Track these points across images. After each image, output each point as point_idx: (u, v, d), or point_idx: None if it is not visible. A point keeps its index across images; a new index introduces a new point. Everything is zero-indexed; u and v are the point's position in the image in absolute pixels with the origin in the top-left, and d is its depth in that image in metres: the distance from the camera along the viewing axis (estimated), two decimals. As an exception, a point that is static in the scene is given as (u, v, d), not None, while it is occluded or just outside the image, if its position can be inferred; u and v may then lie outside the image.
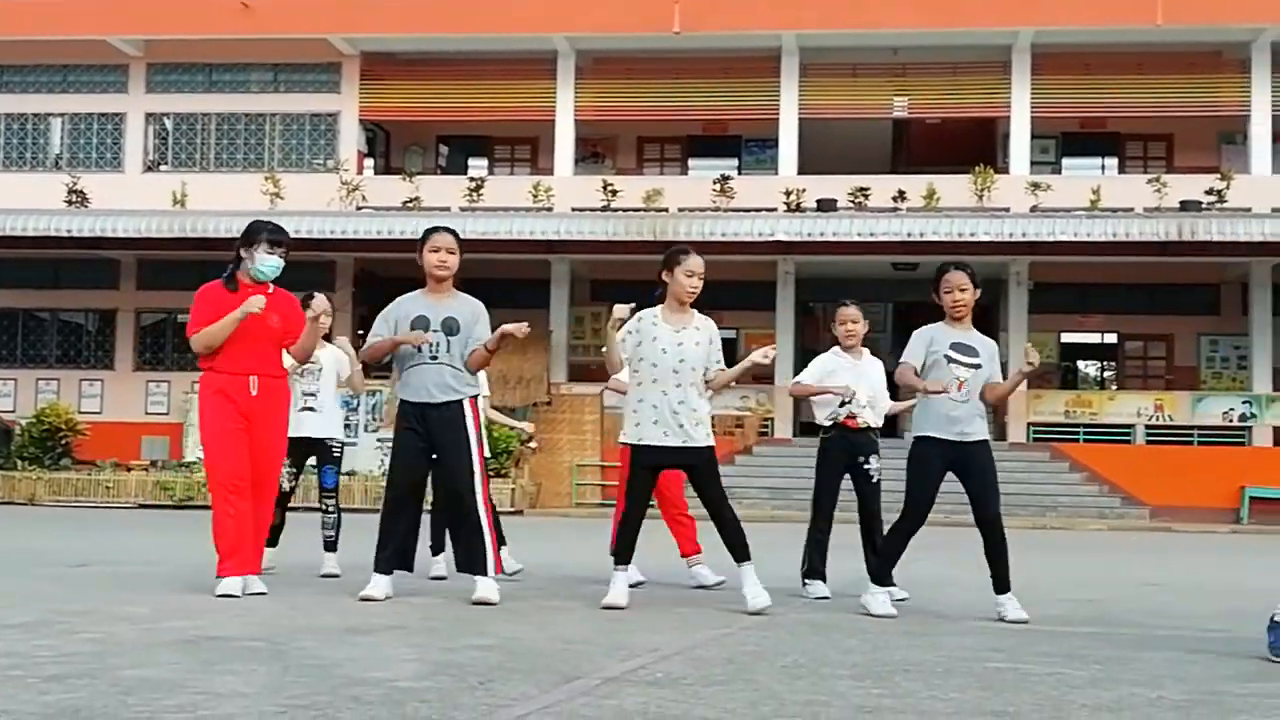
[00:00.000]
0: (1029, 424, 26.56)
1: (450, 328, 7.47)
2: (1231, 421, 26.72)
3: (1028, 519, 21.51)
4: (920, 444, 7.25)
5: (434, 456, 7.45)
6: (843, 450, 8.44)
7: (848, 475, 8.51)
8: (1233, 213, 26.42)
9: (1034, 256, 26.85)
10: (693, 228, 25.89)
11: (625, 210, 27.64)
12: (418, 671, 4.77)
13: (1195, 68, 29.07)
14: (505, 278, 26.86)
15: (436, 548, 9.18)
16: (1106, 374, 31.13)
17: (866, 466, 8.42)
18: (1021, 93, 29.25)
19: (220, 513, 7.39)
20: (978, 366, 7.22)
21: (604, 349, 7.40)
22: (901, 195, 27.75)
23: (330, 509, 9.42)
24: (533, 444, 25.45)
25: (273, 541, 8.93)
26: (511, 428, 12.89)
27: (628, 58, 30.32)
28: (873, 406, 8.46)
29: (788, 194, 27.75)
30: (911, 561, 10.60)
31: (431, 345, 7.43)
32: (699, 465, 7.29)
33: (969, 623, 6.97)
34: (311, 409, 9.26)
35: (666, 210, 27.73)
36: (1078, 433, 26.35)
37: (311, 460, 9.61)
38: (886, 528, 7.72)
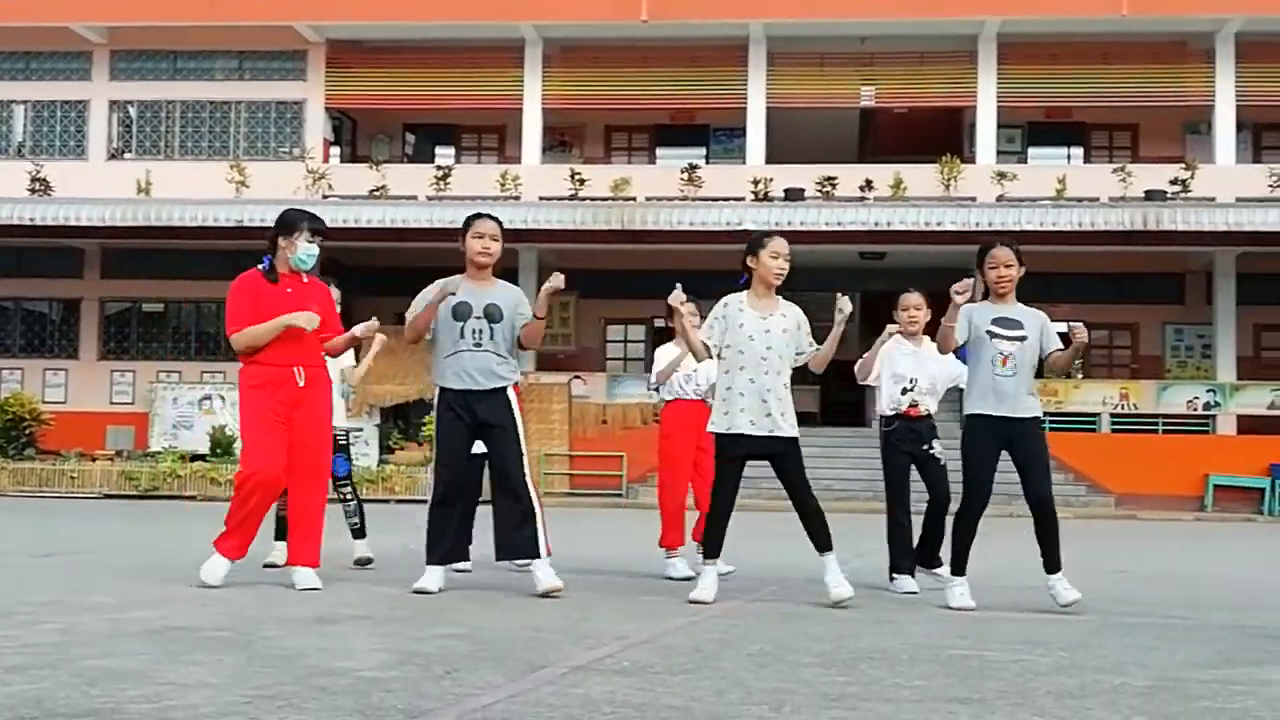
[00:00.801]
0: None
1: (493, 314, 7.45)
2: (1196, 410, 26.90)
3: (995, 506, 21.52)
4: (971, 422, 7.23)
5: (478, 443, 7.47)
6: (906, 439, 8.39)
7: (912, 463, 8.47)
8: (1197, 202, 26.60)
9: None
10: (660, 217, 25.89)
11: (593, 199, 27.60)
12: (384, 661, 4.76)
13: (1160, 58, 29.22)
14: (473, 267, 26.77)
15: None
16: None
17: (931, 450, 8.37)
18: (988, 82, 29.35)
19: (238, 501, 7.36)
20: (1022, 339, 7.16)
21: (673, 341, 7.26)
22: (869, 185, 27.82)
23: (348, 496, 9.29)
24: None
25: (282, 535, 8.81)
26: None
27: (596, 46, 30.28)
28: (933, 393, 8.47)
29: (755, 183, 27.79)
30: (873, 551, 10.66)
31: (475, 332, 7.40)
32: (786, 454, 7.17)
33: (934, 610, 7.00)
34: None
35: (634, 199, 27.70)
36: (1043, 421, 26.47)
37: None
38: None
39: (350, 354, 9.26)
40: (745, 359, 7.13)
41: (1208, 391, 27.08)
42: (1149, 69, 29.03)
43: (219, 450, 25.64)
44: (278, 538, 8.70)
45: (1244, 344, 27.89)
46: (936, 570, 8.19)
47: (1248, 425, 26.61)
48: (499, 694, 4.15)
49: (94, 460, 25.41)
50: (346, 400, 9.41)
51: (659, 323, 28.75)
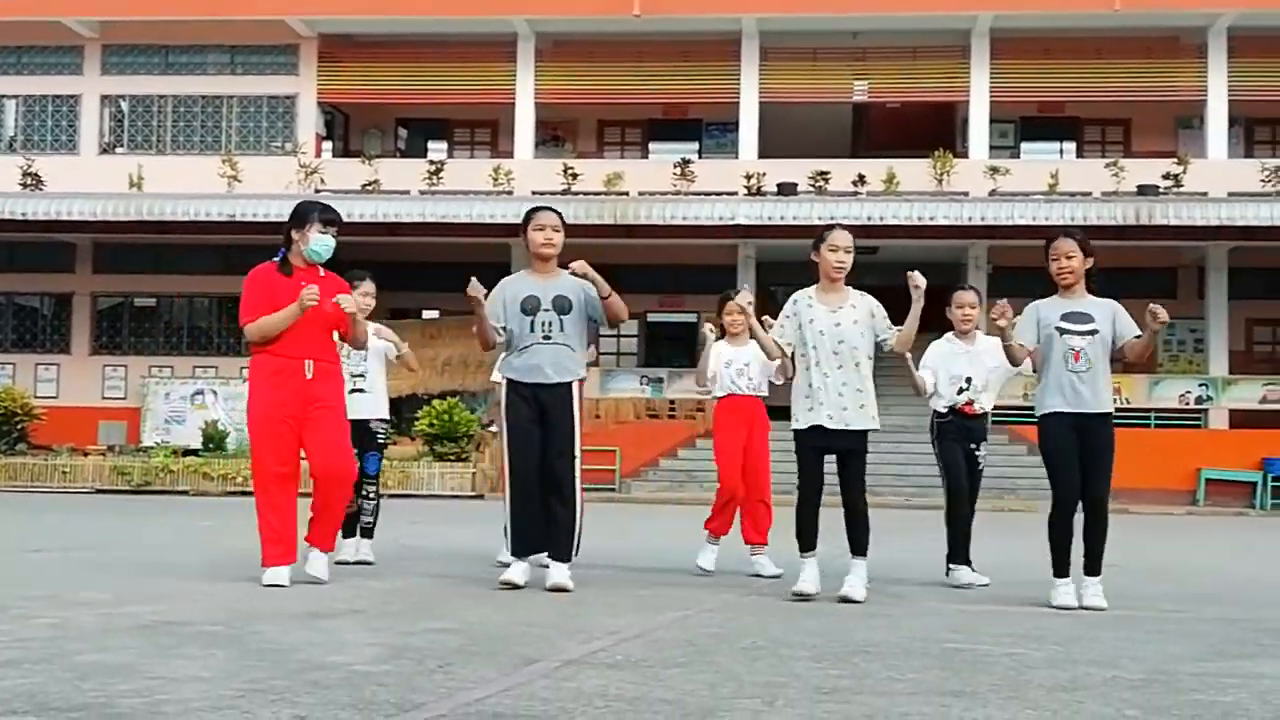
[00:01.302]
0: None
1: (562, 307, 7.37)
2: (1188, 404, 26.95)
3: (988, 501, 21.49)
4: (1045, 422, 7.11)
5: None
6: (959, 435, 8.30)
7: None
8: (1189, 197, 26.64)
9: (992, 240, 26.99)
10: (653, 211, 25.88)
11: (586, 194, 27.58)
12: (377, 655, 4.76)
13: (1153, 53, 29.26)
14: (465, 261, 26.67)
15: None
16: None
17: (978, 454, 8.32)
18: (980, 77, 29.37)
19: (260, 503, 7.29)
20: (1094, 333, 7.00)
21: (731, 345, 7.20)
22: (861, 179, 27.83)
23: (371, 495, 9.11)
24: (494, 428, 25.54)
25: (350, 531, 8.76)
26: None
27: (588, 40, 30.26)
28: (988, 390, 8.41)
29: (748, 178, 27.79)
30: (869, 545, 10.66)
31: (545, 325, 7.35)
32: (855, 449, 7.11)
33: (927, 604, 7.01)
34: (361, 390, 8.88)
35: (627, 194, 27.69)
36: (1034, 415, 26.48)
37: None
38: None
39: (393, 338, 9.14)
40: (819, 354, 7.08)
41: (1200, 386, 27.12)
42: (1141, 64, 29.06)
43: (211, 445, 25.62)
44: (344, 535, 8.55)
45: (1236, 338, 27.94)
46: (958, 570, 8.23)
47: (1239, 419, 26.67)
48: (492, 688, 4.14)
49: (86, 455, 25.38)
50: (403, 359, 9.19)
51: (652, 317, 28.77)
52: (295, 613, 6.02)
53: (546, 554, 7.36)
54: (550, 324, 7.35)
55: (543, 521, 7.36)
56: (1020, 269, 27.69)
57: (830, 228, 7.37)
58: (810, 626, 5.95)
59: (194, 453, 25.43)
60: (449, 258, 26.72)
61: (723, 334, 8.99)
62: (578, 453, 7.36)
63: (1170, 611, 6.97)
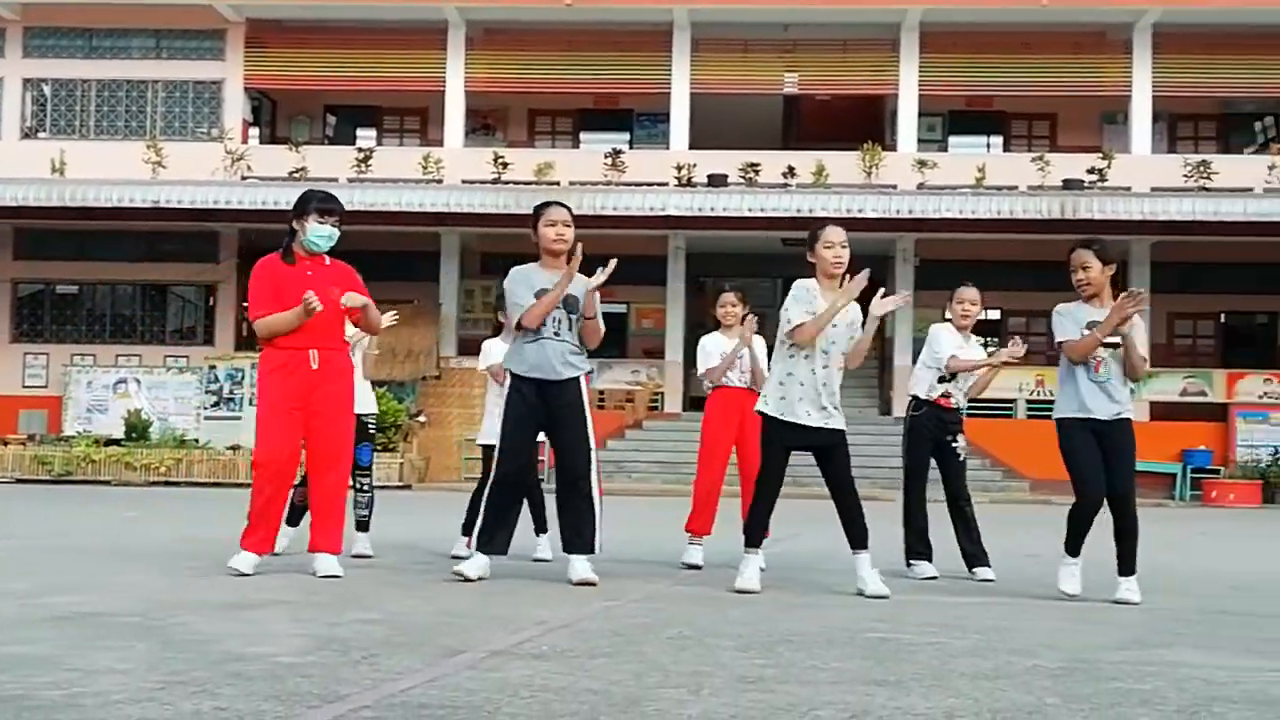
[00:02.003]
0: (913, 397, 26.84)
1: (571, 305, 7.30)
2: (1110, 396, 27.28)
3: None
4: (1063, 424, 7.16)
5: (542, 432, 7.41)
6: (932, 426, 8.41)
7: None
8: (1113, 191, 26.99)
9: (920, 233, 27.21)
10: (584, 201, 25.81)
11: (516, 183, 27.51)
12: (301, 646, 4.72)
13: (1079, 49, 29.58)
14: (394, 250, 26.60)
15: (540, 528, 8.91)
16: (990, 349, 31.56)
17: (954, 444, 8.41)
18: (909, 71, 29.55)
19: (255, 490, 7.29)
20: (1116, 346, 7.01)
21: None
22: (791, 171, 27.95)
23: (365, 487, 9.05)
24: (421, 418, 25.44)
25: (293, 521, 8.62)
26: None
27: (519, 29, 30.14)
28: (964, 390, 8.60)
29: (679, 169, 27.81)
30: (791, 537, 10.73)
31: (554, 320, 7.28)
32: (836, 446, 7.08)
33: (851, 594, 7.05)
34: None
35: (558, 184, 27.63)
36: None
37: None
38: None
39: (367, 339, 9.04)
40: (811, 348, 7.03)
41: (1122, 378, 27.46)
42: (1068, 59, 29.37)
43: (134, 434, 25.30)
44: (287, 523, 8.45)
45: (1157, 331, 28.30)
46: (977, 570, 8.30)
47: (1160, 411, 27.04)
48: (417, 679, 4.13)
49: (5, 444, 24.98)
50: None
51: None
52: (219, 603, 5.96)
53: (564, 549, 7.35)
54: (559, 321, 7.31)
55: (512, 526, 7.39)
56: (948, 261, 28.01)
57: (822, 224, 7.29)
58: (736, 616, 5.97)
59: (116, 442, 25.10)
60: (378, 246, 26.52)
61: (716, 326, 8.99)
62: (593, 445, 7.36)
63: (1090, 601, 7.06)
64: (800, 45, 30.08)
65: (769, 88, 30.27)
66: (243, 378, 25.65)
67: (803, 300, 7.04)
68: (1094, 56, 29.71)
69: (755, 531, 7.16)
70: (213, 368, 26.54)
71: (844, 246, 7.14)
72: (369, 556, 8.69)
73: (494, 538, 7.33)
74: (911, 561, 8.41)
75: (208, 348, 28.75)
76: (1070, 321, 7.16)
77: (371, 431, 9.18)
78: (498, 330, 9.09)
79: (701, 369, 8.99)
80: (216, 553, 8.56)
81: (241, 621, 5.40)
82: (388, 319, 8.67)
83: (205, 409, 26.23)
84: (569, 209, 7.62)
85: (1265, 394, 27.25)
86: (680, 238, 27.60)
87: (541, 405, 7.29)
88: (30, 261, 29.50)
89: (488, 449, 8.51)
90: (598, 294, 7.38)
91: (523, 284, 7.35)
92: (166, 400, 26.89)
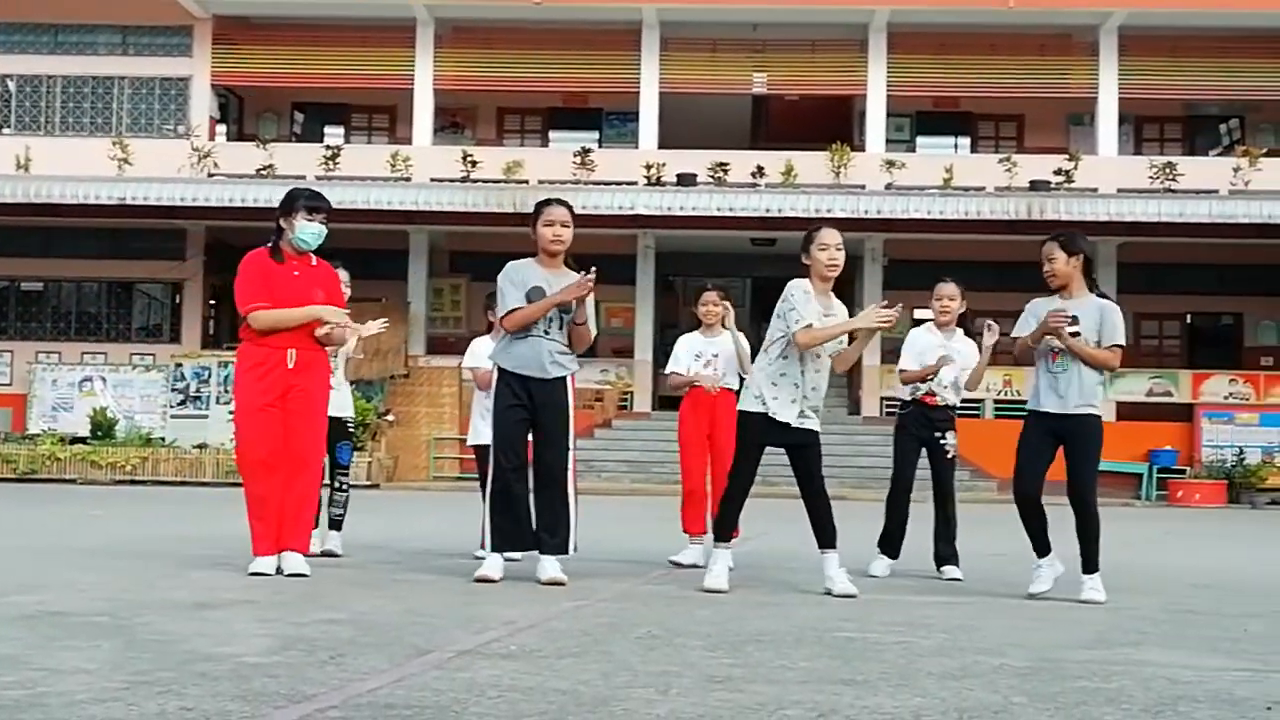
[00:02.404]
0: (882, 398, 26.96)
1: (564, 305, 7.30)
2: (1076, 396, 27.41)
3: (881, 492, 21.82)
4: (1026, 418, 7.29)
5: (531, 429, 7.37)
6: (919, 425, 8.38)
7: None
8: (1080, 192, 27.12)
9: (889, 234, 27.29)
10: (553, 200, 25.82)
11: (485, 181, 27.43)
12: (267, 646, 4.70)
13: (1046, 50, 29.71)
14: (362, 248, 26.47)
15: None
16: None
17: (943, 442, 8.37)
18: (877, 71, 29.62)
19: (247, 493, 7.33)
20: (1076, 335, 7.09)
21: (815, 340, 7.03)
22: (760, 171, 27.98)
23: (342, 486, 9.04)
24: (390, 417, 25.36)
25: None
26: None
27: (488, 27, 30.08)
28: (955, 388, 8.44)
29: (648, 168, 27.80)
30: (760, 535, 10.75)
31: (546, 319, 7.28)
32: (810, 445, 7.09)
33: (818, 594, 7.06)
34: (333, 388, 8.81)
35: (527, 182, 27.59)
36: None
37: None
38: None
39: (352, 343, 9.00)
40: (807, 350, 7.01)
41: (1088, 378, 27.60)
42: (1035, 61, 29.49)
43: (99, 433, 25.14)
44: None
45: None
46: (945, 569, 8.30)
47: (1127, 411, 27.19)
48: (384, 679, 4.11)
49: (-31, 443, 24.79)
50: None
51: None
52: (184, 603, 5.93)
53: (535, 550, 7.32)
54: (551, 319, 7.31)
55: (526, 519, 7.32)
56: (916, 261, 28.09)
57: (817, 227, 7.23)
58: (704, 615, 5.98)
59: (82, 440, 24.94)
60: (346, 244, 26.36)
61: (696, 324, 8.99)
62: (570, 445, 7.39)
63: (1057, 600, 7.10)
64: (769, 45, 30.11)
65: (738, 87, 30.30)
66: (209, 376, 25.52)
67: (804, 302, 6.98)
68: (1060, 58, 29.85)
69: (724, 528, 7.16)
70: (179, 366, 26.37)
71: (839, 249, 7.09)
72: (338, 555, 8.66)
73: (506, 535, 7.31)
74: (880, 554, 8.45)
75: (174, 345, 28.57)
76: (1031, 317, 7.25)
77: (351, 431, 9.22)
78: (489, 328, 9.04)
79: (670, 369, 9.02)
80: (183, 552, 8.54)
81: (207, 621, 5.37)
82: (376, 326, 8.70)
83: (171, 407, 26.07)
84: (569, 207, 7.58)
85: (1230, 394, 27.44)
86: (649, 237, 27.61)
87: (529, 401, 7.28)
88: (-6, 258, 29.27)
89: (481, 449, 8.53)
90: (591, 300, 7.38)
91: (516, 282, 7.31)
92: (132, 398, 26.72)
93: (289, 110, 32.39)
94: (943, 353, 8.42)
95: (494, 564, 7.26)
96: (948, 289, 8.60)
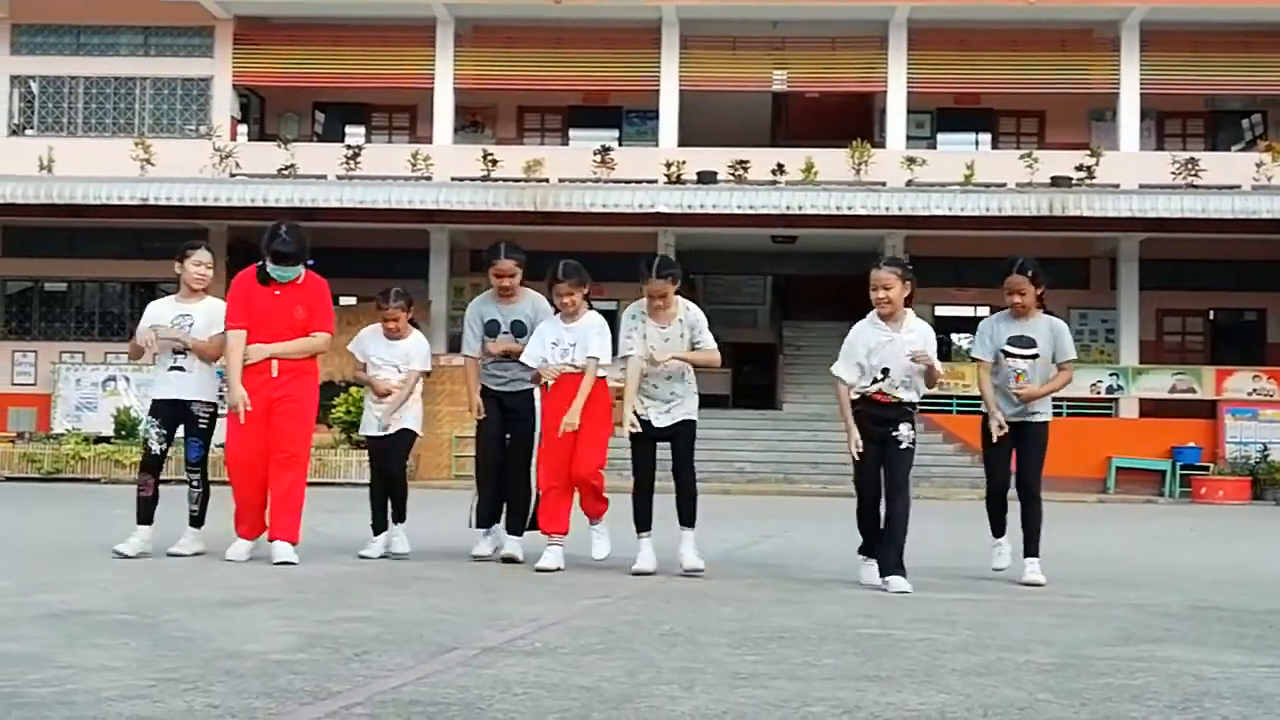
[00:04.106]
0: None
1: (519, 329, 8.42)
2: (1099, 393, 27.32)
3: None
4: (986, 424, 8.08)
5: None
6: (867, 421, 7.62)
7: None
8: (1101, 188, 26.99)
9: (909, 230, 27.19)
10: (573, 198, 25.83)
11: (505, 180, 27.44)
12: (292, 644, 4.72)
13: (1067, 46, 29.58)
14: (383, 247, 26.58)
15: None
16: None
17: (895, 433, 7.58)
18: (898, 68, 29.53)
19: (233, 490, 8.17)
20: (1035, 356, 7.94)
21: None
22: (780, 168, 27.91)
23: (195, 483, 8.63)
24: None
25: (146, 518, 8.27)
26: None
27: (508, 26, 30.10)
28: (910, 388, 7.66)
29: (668, 166, 27.78)
30: (784, 531, 10.74)
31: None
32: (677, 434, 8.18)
33: (841, 590, 7.06)
34: (180, 368, 8.51)
35: (547, 181, 27.58)
36: (950, 404, 26.77)
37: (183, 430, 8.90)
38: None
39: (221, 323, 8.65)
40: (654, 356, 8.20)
41: (1111, 375, 27.51)
42: (1056, 56, 29.36)
43: (123, 432, 25.23)
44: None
45: (1146, 328, 28.39)
46: (889, 580, 7.71)
47: (1149, 408, 27.10)
48: (409, 675, 4.13)
49: (-6, 442, 24.91)
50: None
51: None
52: (209, 601, 5.95)
53: (507, 531, 8.44)
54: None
55: (500, 499, 8.56)
56: (937, 259, 28.06)
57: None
58: (726, 613, 5.98)
59: (106, 440, 25.03)
60: (367, 243, 26.51)
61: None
62: (535, 448, 8.39)
63: (1081, 596, 7.08)
64: (789, 42, 30.06)
65: (758, 85, 30.24)
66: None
67: (631, 328, 8.12)
68: (1081, 54, 29.71)
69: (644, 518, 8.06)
70: (202, 365, 26.42)
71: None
72: (200, 554, 8.23)
73: (491, 511, 8.56)
74: (862, 558, 7.78)
75: (197, 345, 28.60)
76: (988, 339, 8.12)
77: (203, 425, 8.69)
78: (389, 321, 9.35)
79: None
80: (206, 550, 8.56)
81: (231, 619, 5.40)
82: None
83: (194, 407, 26.11)
84: (516, 257, 8.47)
85: (1254, 391, 27.29)
86: (670, 235, 27.58)
87: (502, 411, 8.59)
88: (18, 259, 29.39)
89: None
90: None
91: (474, 318, 8.64)
92: (155, 398, 26.77)
93: (310, 110, 32.45)
94: (889, 351, 7.59)
95: (485, 543, 8.51)
96: (881, 276, 7.66)
